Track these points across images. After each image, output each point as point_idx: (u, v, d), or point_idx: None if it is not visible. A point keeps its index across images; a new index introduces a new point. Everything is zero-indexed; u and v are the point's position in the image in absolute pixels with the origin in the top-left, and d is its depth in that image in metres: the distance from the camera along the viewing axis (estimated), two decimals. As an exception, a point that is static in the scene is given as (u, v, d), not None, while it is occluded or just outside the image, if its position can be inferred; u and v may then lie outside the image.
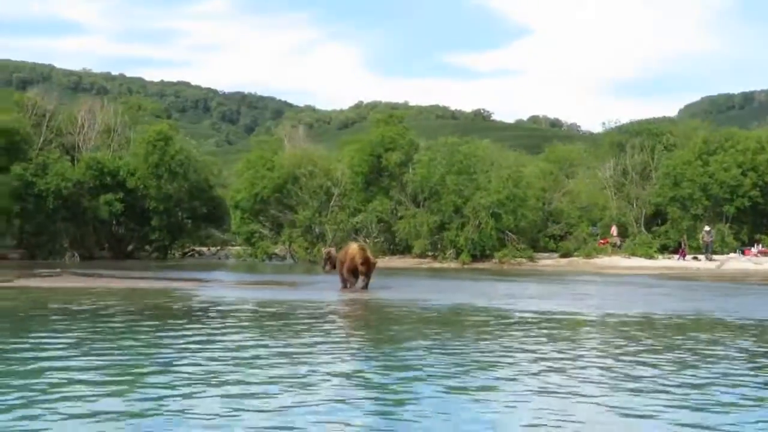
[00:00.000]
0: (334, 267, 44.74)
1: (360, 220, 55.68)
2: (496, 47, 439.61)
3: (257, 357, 12.06)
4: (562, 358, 12.30)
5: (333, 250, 49.13)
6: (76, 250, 56.19)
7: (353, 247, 26.44)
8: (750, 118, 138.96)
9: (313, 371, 10.87)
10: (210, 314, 18.62)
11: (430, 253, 54.85)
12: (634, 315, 19.24)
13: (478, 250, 52.96)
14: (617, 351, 13.19)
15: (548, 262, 53.42)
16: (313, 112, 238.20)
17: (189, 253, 65.23)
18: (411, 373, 10.80)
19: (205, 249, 68.09)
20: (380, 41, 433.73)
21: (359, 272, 25.67)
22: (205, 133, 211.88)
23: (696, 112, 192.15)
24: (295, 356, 12.20)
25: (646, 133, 75.01)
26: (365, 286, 25.78)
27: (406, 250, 55.51)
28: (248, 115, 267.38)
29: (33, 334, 14.25)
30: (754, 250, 55.95)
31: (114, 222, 60.28)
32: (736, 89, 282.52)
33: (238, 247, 61.47)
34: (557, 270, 47.80)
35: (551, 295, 25.96)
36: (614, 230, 61.33)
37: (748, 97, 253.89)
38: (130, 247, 61.78)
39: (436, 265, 52.12)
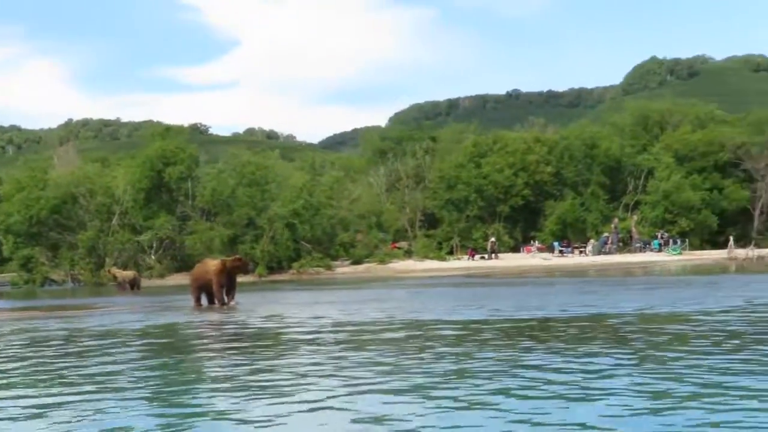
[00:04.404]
0: (131, 287, 42.92)
1: (147, 238, 53.42)
2: (207, 60, 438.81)
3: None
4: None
5: (117, 270, 46.93)
6: None
7: (215, 264, 24.82)
8: (455, 122, 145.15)
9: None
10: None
11: (223, 268, 53.53)
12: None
13: (274, 262, 52.52)
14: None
15: (345, 269, 53.83)
16: (20, 132, 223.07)
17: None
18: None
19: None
20: (88, 56, 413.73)
21: (231, 287, 24.53)
22: None
23: (405, 119, 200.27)
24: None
25: (407, 139, 78.02)
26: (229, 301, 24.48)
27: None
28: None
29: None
30: (533, 247, 59.33)
31: None
32: (441, 96, 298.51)
33: (12, 274, 56.91)
34: (359, 277, 48.15)
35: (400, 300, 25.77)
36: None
37: (453, 104, 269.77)
38: None
39: (231, 279, 50.93)
